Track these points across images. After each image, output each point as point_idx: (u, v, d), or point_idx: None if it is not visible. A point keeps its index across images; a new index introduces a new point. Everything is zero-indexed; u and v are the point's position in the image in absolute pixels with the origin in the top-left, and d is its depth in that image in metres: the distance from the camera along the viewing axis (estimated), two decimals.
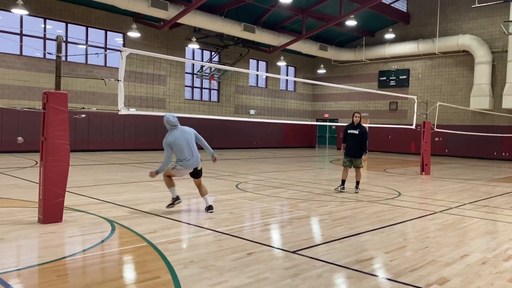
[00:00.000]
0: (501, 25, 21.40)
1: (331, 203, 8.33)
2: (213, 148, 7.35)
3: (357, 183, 9.77)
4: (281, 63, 28.11)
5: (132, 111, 7.94)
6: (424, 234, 6.04)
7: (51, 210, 6.02)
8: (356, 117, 9.85)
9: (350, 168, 9.93)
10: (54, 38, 6.38)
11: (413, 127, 15.13)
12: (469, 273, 4.39)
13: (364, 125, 9.98)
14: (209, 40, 24.27)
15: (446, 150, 24.88)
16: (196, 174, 7.11)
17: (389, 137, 27.14)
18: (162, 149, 6.94)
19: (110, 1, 18.07)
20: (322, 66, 30.30)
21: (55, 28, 19.86)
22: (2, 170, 12.20)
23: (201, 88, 25.56)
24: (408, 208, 8.06)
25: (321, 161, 19.79)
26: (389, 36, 25.89)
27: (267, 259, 4.68)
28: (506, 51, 22.56)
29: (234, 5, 21.48)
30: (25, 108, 6.49)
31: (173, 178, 7.15)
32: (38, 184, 6.32)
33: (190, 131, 7.09)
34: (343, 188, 9.80)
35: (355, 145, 9.73)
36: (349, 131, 9.83)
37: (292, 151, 26.56)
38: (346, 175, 9.88)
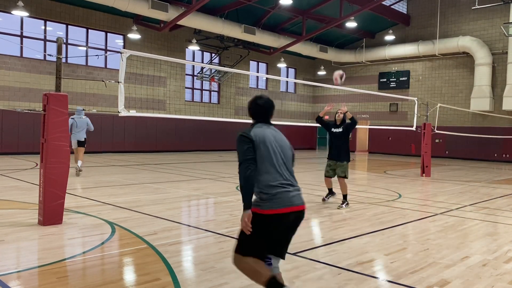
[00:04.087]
0: (501, 27, 21.41)
1: (331, 205, 8.32)
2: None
3: (344, 197, 8.18)
4: (281, 65, 28.11)
5: (132, 112, 7.93)
6: (424, 236, 6.03)
7: (51, 212, 6.02)
8: (338, 114, 8.36)
9: (333, 177, 8.49)
10: (55, 39, 6.40)
11: (414, 129, 15.12)
12: (469, 275, 4.38)
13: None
14: (209, 41, 24.28)
15: (447, 152, 24.87)
16: (80, 144, 12.07)
17: (390, 138, 27.14)
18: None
19: (110, 3, 18.08)
20: (322, 67, 30.29)
21: (55, 30, 19.88)
22: (2, 172, 12.20)
23: (201, 89, 25.55)
24: (409, 210, 8.05)
25: (322, 163, 19.74)
26: (389, 37, 25.91)
27: None
28: (506, 52, 22.56)
29: (234, 7, 21.49)
30: (26, 110, 6.50)
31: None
32: (38, 186, 6.32)
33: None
34: (333, 194, 8.67)
35: (338, 146, 8.33)
36: (332, 130, 8.38)
37: None
38: (330, 183, 8.60)
